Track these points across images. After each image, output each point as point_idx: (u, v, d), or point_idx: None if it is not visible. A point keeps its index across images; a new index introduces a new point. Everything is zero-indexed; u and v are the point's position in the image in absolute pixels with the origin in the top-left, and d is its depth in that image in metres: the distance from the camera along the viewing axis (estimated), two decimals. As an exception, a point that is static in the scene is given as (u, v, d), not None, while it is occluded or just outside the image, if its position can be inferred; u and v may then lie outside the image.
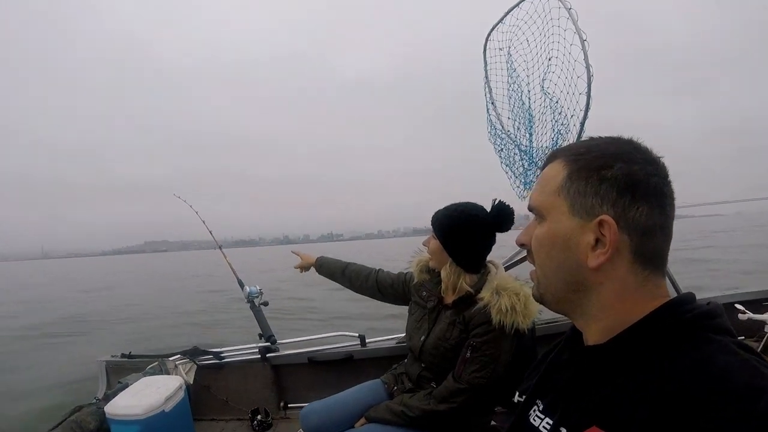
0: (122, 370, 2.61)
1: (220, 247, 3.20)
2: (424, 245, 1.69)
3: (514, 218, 1.57)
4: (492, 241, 1.58)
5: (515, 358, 1.52)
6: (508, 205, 1.56)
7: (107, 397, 2.05)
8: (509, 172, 2.47)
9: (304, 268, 2.21)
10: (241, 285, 2.94)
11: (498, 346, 1.46)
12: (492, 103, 2.57)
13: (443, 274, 1.59)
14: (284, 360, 2.70)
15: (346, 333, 2.71)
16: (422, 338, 1.64)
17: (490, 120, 2.59)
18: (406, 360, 1.88)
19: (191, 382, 2.55)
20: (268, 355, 2.67)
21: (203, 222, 3.19)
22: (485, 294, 1.46)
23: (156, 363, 2.47)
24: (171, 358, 2.57)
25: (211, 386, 2.66)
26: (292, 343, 2.83)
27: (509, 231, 1.58)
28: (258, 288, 2.93)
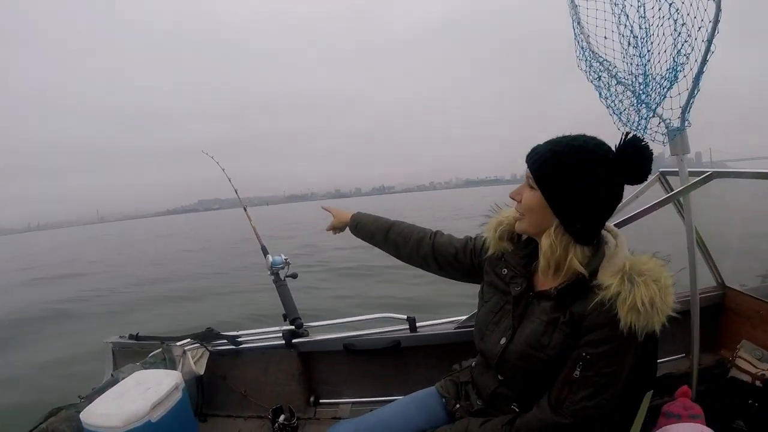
0: (128, 354, 2.23)
1: (245, 208, 2.86)
2: (512, 198, 1.11)
3: (651, 163, 1.00)
4: (619, 197, 1.03)
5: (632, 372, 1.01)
6: (645, 144, 1.00)
7: (90, 398, 1.63)
8: (611, 108, 1.82)
9: (337, 228, 1.71)
10: (265, 252, 2.49)
11: (623, 361, 0.98)
12: (578, 23, 1.92)
13: (544, 243, 1.04)
14: (314, 347, 2.22)
15: (392, 315, 2.20)
16: (503, 341, 1.12)
17: (578, 41, 1.93)
18: (473, 362, 1.34)
19: (201, 373, 2.12)
20: (294, 340, 2.20)
21: (229, 180, 2.89)
22: (609, 279, 0.96)
23: (159, 350, 2.04)
24: (178, 343, 2.13)
25: (227, 377, 2.23)
26: (324, 327, 2.34)
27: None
28: (283, 257, 2.47)
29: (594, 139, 1.01)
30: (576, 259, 1.01)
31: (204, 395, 2.18)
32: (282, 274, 2.45)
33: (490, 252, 1.26)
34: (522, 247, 1.19)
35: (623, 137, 1.00)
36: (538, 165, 1.01)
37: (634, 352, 0.97)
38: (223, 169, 2.98)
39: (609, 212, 1.03)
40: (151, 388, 1.60)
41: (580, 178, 0.97)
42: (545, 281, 1.09)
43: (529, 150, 1.05)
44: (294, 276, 2.48)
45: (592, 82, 1.84)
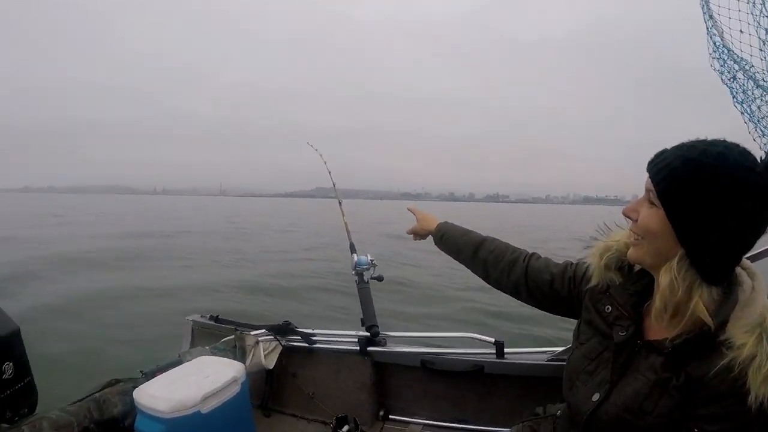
0: (205, 335, 2.26)
1: (339, 203, 2.77)
2: (626, 216, 0.88)
3: None
4: (765, 224, 0.77)
5: None
6: None
7: (149, 375, 1.63)
8: (745, 114, 1.42)
9: (418, 234, 1.53)
10: (352, 250, 2.37)
11: None
12: (710, 16, 1.54)
13: (662, 279, 0.81)
14: (390, 358, 2.04)
15: (478, 336, 1.95)
16: (595, 397, 0.89)
17: (710, 36, 1.57)
18: (558, 411, 1.11)
19: (270, 367, 2.05)
20: (369, 348, 2.04)
21: (329, 172, 2.90)
22: (742, 336, 0.73)
23: (232, 336, 2.02)
24: (253, 333, 2.09)
25: (297, 375, 2.14)
26: (403, 339, 2.15)
27: None
28: (369, 258, 2.32)
29: (737, 146, 0.76)
30: (701, 303, 0.77)
31: (272, 390, 2.12)
32: (366, 275, 2.31)
33: (592, 282, 1.02)
34: (633, 281, 0.96)
35: None
36: (663, 175, 0.78)
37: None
38: (325, 162, 2.97)
39: (750, 244, 0.78)
40: (209, 376, 1.53)
41: (718, 196, 0.73)
42: (658, 328, 0.86)
43: (653, 155, 0.83)
44: (380, 279, 2.33)
45: (726, 83, 1.47)
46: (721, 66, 1.53)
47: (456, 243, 1.36)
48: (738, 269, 0.82)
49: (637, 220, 0.85)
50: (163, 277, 9.13)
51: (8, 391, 1.37)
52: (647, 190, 0.82)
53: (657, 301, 0.83)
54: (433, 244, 1.48)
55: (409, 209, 1.64)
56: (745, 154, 0.75)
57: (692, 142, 0.79)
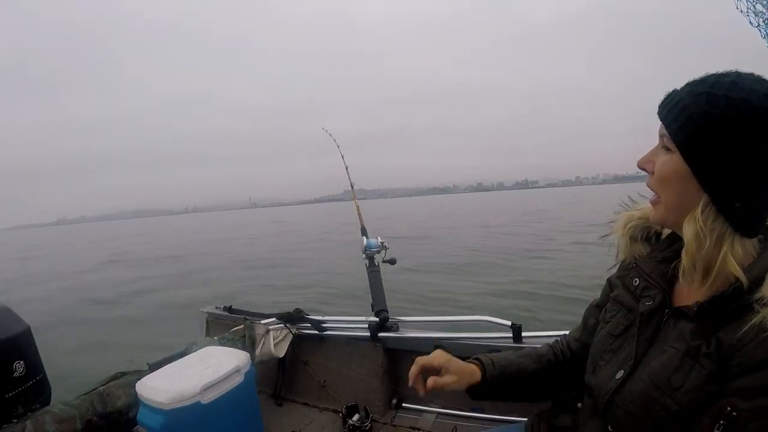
0: (219, 326, 2.28)
1: (351, 186, 2.84)
2: (641, 167, 0.77)
3: None
4: None
5: None
6: None
7: (154, 367, 1.64)
8: None
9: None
10: (363, 233, 2.33)
11: None
12: None
13: (687, 231, 0.70)
14: (402, 344, 1.99)
15: (494, 319, 1.86)
16: (619, 374, 0.78)
17: None
18: (579, 406, 0.96)
19: (280, 355, 2.04)
20: (381, 334, 2.00)
21: (346, 168, 2.84)
22: None
23: (241, 326, 2.02)
24: (263, 321, 2.09)
25: (309, 362, 2.12)
26: (415, 323, 2.09)
27: None
28: (379, 240, 2.27)
29: (751, 74, 0.65)
30: (732, 257, 0.66)
31: (284, 378, 2.12)
32: (377, 259, 2.26)
33: (620, 258, 0.92)
34: (661, 248, 0.84)
35: None
36: (675, 114, 0.68)
37: None
38: (342, 156, 2.93)
39: None
40: (210, 367, 1.53)
41: (737, 127, 0.62)
42: (689, 293, 0.75)
43: (662, 98, 0.72)
44: (392, 262, 2.27)
45: (752, 24, 1.35)
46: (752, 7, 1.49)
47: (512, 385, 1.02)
48: None
49: (653, 172, 0.75)
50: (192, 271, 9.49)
51: (20, 388, 1.41)
52: (661, 136, 0.73)
53: (684, 260, 0.71)
54: None
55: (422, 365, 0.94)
56: (761, 80, 0.65)
57: (702, 77, 0.69)
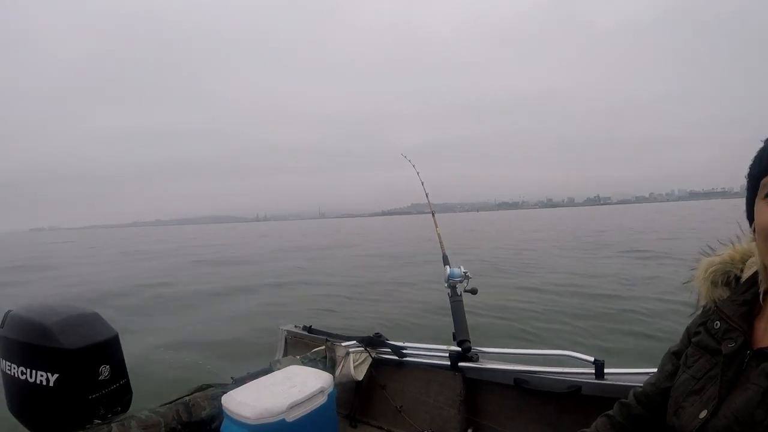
0: (298, 345, 2.31)
1: (432, 213, 2.92)
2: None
3: None
4: None
5: None
6: None
7: (239, 381, 1.68)
8: None
9: None
10: (445, 262, 2.32)
11: None
12: None
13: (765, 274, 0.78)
14: (482, 375, 1.91)
15: (576, 354, 1.79)
16: (703, 414, 0.80)
17: None
18: None
19: (359, 378, 2.03)
20: (460, 363, 1.93)
21: (422, 183, 3.00)
22: None
23: (323, 347, 2.03)
24: (344, 344, 2.09)
25: (386, 387, 2.09)
26: (495, 355, 2.01)
27: None
28: (462, 270, 2.23)
29: None
30: None
31: (361, 401, 2.10)
32: (459, 288, 2.22)
33: (701, 303, 0.95)
34: (741, 291, 0.88)
35: None
36: None
37: None
38: (418, 173, 3.02)
39: None
40: (296, 386, 1.54)
41: None
42: None
43: (762, 146, 0.77)
44: (474, 292, 2.23)
45: None
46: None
47: None
48: None
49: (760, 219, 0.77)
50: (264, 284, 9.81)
51: (104, 391, 1.48)
52: (763, 187, 0.76)
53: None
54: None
55: None
56: None
57: None
